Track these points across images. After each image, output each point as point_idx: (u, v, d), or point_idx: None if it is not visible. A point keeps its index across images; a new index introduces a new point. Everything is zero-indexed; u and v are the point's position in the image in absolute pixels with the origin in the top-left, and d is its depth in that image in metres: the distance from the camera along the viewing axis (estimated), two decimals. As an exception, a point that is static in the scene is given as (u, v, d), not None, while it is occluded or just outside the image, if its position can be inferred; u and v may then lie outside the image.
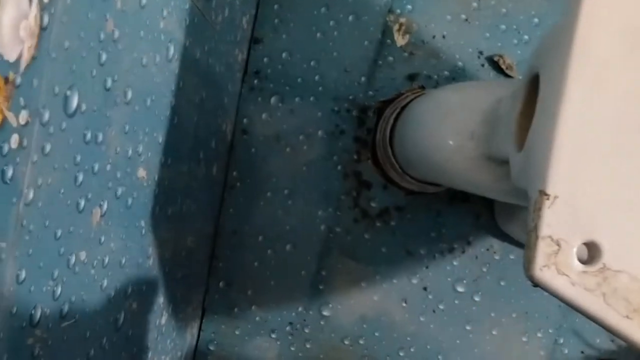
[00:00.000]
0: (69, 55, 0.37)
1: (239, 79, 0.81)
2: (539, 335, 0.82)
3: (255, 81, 0.82)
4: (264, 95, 0.82)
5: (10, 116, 0.33)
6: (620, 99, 0.39)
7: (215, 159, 0.75)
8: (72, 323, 0.44)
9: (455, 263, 0.80)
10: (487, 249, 0.80)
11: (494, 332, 0.82)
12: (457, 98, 0.61)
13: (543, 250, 0.40)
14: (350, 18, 0.82)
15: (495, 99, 0.56)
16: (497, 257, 0.80)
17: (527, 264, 0.40)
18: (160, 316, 0.64)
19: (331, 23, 0.82)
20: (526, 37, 0.81)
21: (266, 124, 0.82)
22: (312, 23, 0.82)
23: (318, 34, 0.82)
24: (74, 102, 0.39)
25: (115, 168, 0.47)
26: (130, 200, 0.51)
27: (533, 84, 0.47)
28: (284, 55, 0.82)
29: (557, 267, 0.40)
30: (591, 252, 0.39)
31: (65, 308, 0.43)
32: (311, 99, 0.82)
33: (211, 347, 0.81)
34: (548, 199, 0.39)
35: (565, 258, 0.40)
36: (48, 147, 0.37)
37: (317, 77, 0.82)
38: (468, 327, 0.81)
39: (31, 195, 0.36)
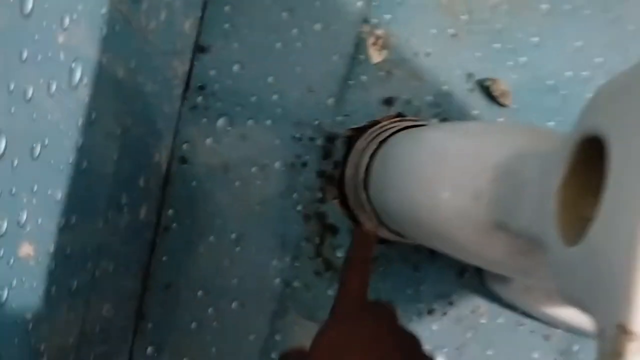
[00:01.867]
0: None
1: (179, 96, 0.65)
2: (526, 407, 0.70)
3: (199, 98, 0.66)
4: (209, 116, 0.67)
5: None
6: None
7: (143, 199, 0.59)
8: None
9: (434, 327, 0.67)
10: (473, 311, 0.68)
11: (476, 405, 0.69)
12: (458, 143, 0.48)
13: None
14: (317, 27, 0.67)
15: (512, 153, 0.43)
16: (483, 321, 0.68)
17: None
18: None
19: (294, 32, 0.67)
20: (524, 59, 0.69)
21: (211, 152, 0.67)
22: (271, 30, 0.67)
23: (277, 44, 0.67)
24: None
25: (-24, 256, 0.31)
26: (5, 294, 0.35)
27: (584, 148, 0.34)
28: (235, 67, 0.67)
29: None
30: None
31: None
32: (267, 122, 0.67)
33: None
34: (633, 339, 0.26)
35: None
36: None
37: (275, 97, 0.67)
38: (447, 403, 0.69)
39: None
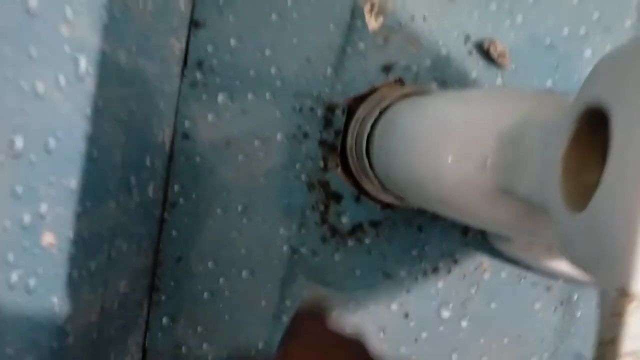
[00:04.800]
0: None
1: (178, 74, 0.65)
2: None
3: (198, 75, 0.67)
4: (209, 92, 0.67)
5: None
6: None
7: (150, 178, 0.60)
8: None
9: (440, 285, 0.70)
10: (476, 268, 0.70)
11: None
12: (461, 111, 0.49)
13: (624, 370, 0.29)
14: (312, -5, 0.67)
15: (516, 121, 0.44)
16: (487, 277, 0.70)
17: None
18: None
19: (289, 2, 0.67)
20: (520, 18, 0.69)
21: (213, 127, 0.67)
22: (266, 1, 0.67)
23: (273, 16, 0.67)
24: None
25: (5, 249, 0.32)
26: (33, 282, 0.36)
27: (587, 117, 0.35)
28: (232, 42, 0.67)
29: (639, 391, 0.29)
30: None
31: None
32: (267, 95, 0.68)
33: (156, 395, 0.69)
34: (632, 301, 0.28)
35: (651, 378, 0.29)
36: None
37: (273, 69, 0.67)
38: (455, 356, 0.71)
39: None
